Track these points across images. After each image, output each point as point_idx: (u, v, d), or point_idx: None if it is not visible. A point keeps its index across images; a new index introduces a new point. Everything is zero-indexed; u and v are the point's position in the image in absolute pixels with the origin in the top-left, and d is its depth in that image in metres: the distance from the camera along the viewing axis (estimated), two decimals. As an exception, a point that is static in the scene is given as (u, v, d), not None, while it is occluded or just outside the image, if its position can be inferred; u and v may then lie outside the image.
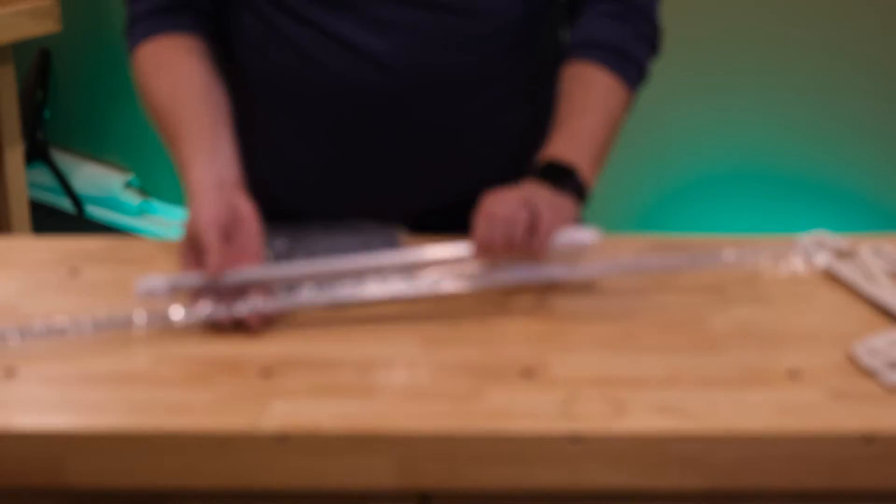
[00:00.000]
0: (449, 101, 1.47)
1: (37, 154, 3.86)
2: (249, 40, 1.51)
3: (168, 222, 3.73)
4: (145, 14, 1.51)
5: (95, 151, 3.92)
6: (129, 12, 1.53)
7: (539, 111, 1.53)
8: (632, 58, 1.49)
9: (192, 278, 1.29)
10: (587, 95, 1.47)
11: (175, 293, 1.29)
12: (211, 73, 1.48)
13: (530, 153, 1.44)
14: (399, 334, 1.28)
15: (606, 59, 1.48)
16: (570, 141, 1.43)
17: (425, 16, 1.45)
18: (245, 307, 1.27)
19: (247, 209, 1.34)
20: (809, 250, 1.43)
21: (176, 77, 1.46)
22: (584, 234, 1.32)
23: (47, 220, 3.71)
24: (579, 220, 1.40)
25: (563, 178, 1.38)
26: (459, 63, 1.47)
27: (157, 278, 1.29)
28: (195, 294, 1.29)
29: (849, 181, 2.81)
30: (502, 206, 1.33)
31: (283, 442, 1.12)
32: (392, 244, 1.41)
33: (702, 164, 2.95)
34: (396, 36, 1.45)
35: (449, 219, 1.46)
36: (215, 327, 1.28)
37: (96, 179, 3.85)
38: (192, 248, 1.31)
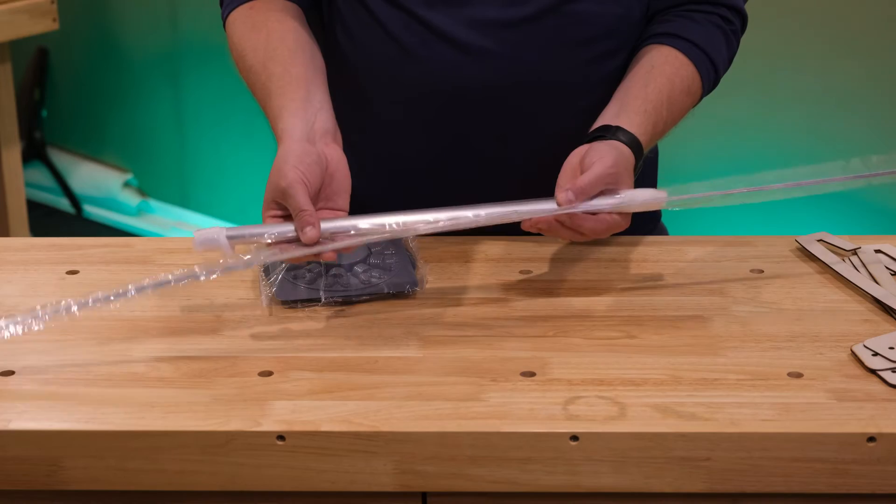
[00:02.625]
0: (547, 103, 1.47)
1: (34, 153, 3.86)
2: (348, 27, 1.50)
3: (167, 222, 3.72)
4: None
5: (93, 151, 3.92)
6: None
7: None
8: (714, 62, 1.48)
9: (250, 230, 1.25)
10: (683, 100, 1.45)
11: (232, 244, 1.25)
12: (306, 31, 1.44)
13: None
14: (399, 334, 1.28)
15: (703, 68, 1.46)
16: (652, 141, 1.41)
17: (530, 16, 1.44)
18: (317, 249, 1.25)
19: (335, 159, 1.29)
20: (811, 250, 1.44)
21: (269, 34, 1.42)
22: (657, 194, 1.29)
23: (45, 221, 3.72)
24: None
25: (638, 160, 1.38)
26: (559, 66, 1.46)
27: (214, 230, 1.24)
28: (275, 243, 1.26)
29: (853, 198, 2.81)
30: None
31: (283, 442, 1.12)
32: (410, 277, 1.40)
33: (702, 165, 2.95)
34: (500, 35, 1.44)
35: None
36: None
37: (94, 179, 3.84)
38: (278, 201, 1.26)
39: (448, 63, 1.45)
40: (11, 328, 1.22)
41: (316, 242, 1.24)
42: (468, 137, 1.49)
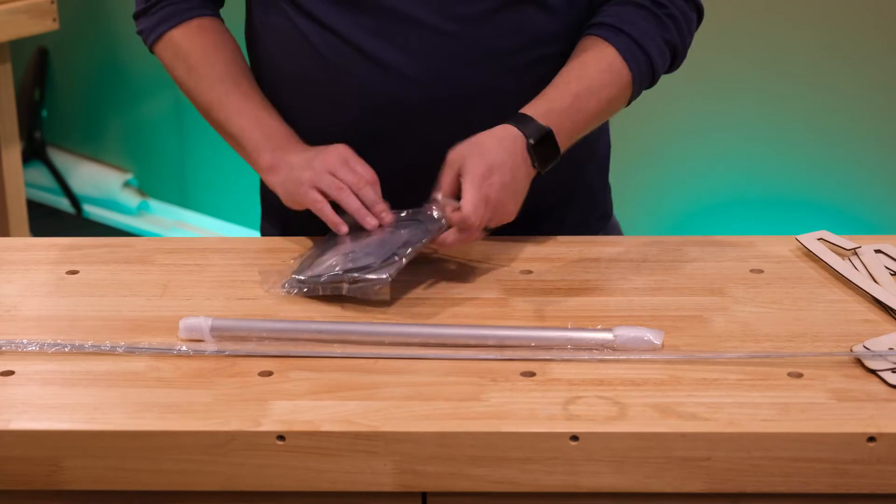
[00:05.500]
0: (471, 116, 1.45)
1: (34, 154, 3.86)
2: (276, 40, 1.51)
3: (167, 222, 3.72)
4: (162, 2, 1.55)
5: (93, 151, 3.92)
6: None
7: None
8: (651, 63, 1.46)
9: (234, 323, 1.28)
10: (596, 77, 1.44)
11: (215, 334, 1.27)
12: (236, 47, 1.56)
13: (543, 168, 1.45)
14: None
15: (629, 52, 1.45)
16: (567, 120, 1.42)
17: (451, 31, 1.44)
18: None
19: None
20: (811, 248, 1.43)
21: (234, 54, 1.53)
22: (651, 335, 1.25)
23: (45, 221, 3.71)
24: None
25: (548, 157, 1.40)
26: (483, 79, 1.46)
27: (201, 319, 1.27)
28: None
29: (853, 200, 2.81)
30: (494, 193, 1.35)
31: (283, 442, 1.12)
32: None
33: (703, 165, 2.95)
34: (422, 51, 1.44)
35: None
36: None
37: (94, 179, 3.84)
38: (347, 164, 1.41)
39: (371, 79, 1.45)
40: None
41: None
42: (403, 149, 1.48)
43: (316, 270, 1.35)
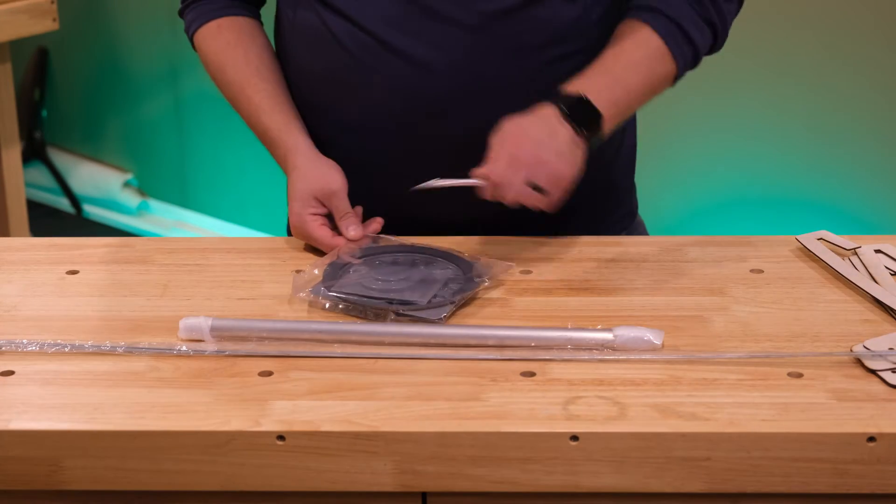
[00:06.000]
0: (498, 109, 1.46)
1: (34, 154, 3.86)
2: (304, 37, 1.51)
3: (167, 222, 3.72)
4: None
5: (93, 151, 3.92)
6: None
7: None
8: (690, 40, 1.46)
9: (233, 323, 1.28)
10: (633, 53, 1.45)
11: (215, 334, 1.27)
12: (271, 48, 1.58)
13: None
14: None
15: (664, 29, 1.45)
16: (605, 89, 1.42)
17: (479, 26, 1.44)
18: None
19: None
20: (811, 248, 1.43)
21: (246, 51, 1.55)
22: (651, 335, 1.24)
23: (45, 221, 3.72)
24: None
25: (590, 121, 1.39)
26: (510, 74, 1.46)
27: (201, 319, 1.27)
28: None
29: (853, 200, 2.81)
30: (524, 150, 1.36)
31: (283, 442, 1.12)
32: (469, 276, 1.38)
33: (705, 189, 2.95)
34: (449, 46, 1.44)
35: (487, 227, 1.49)
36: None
37: (94, 179, 3.85)
38: (320, 199, 1.45)
39: (398, 73, 1.45)
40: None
41: (359, 239, 1.43)
42: (430, 144, 1.48)
43: (349, 288, 1.34)
